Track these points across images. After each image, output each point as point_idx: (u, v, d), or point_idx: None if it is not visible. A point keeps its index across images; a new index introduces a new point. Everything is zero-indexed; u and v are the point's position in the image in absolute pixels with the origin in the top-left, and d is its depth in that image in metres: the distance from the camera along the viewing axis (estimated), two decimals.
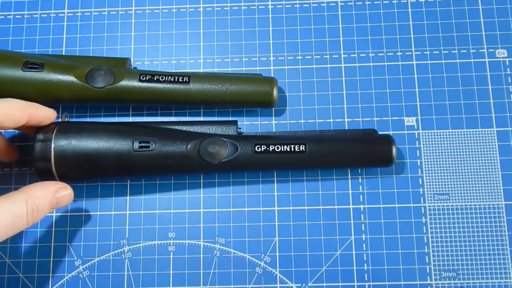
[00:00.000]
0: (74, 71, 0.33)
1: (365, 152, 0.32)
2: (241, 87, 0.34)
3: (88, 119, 0.36)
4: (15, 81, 0.32)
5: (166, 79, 0.33)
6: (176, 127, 0.33)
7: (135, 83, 0.33)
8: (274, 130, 0.36)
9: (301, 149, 0.32)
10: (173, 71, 0.37)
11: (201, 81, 0.34)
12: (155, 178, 0.35)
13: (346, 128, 0.35)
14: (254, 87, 0.34)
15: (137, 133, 0.31)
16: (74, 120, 0.36)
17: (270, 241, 0.34)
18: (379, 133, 0.35)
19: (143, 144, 0.31)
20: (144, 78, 0.33)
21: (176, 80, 0.33)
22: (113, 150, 0.30)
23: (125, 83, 0.33)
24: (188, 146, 0.31)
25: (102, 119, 0.36)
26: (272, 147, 0.31)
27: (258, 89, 0.34)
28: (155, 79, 0.33)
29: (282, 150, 0.32)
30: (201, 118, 0.36)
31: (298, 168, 0.34)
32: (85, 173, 0.31)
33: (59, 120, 0.33)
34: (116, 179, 0.34)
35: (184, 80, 0.33)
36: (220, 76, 0.34)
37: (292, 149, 0.32)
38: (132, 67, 0.37)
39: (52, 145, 0.30)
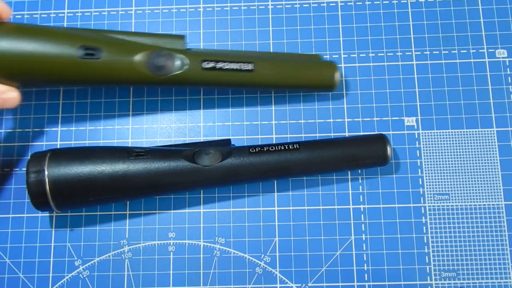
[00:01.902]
0: (134, 56, 0.32)
1: (360, 151, 0.32)
2: (304, 72, 0.34)
3: (88, 112, 0.36)
4: (71, 68, 0.31)
5: (230, 68, 0.33)
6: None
7: (197, 71, 0.33)
8: (274, 131, 0.36)
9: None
10: (237, 56, 0.34)
11: (265, 70, 0.34)
12: (149, 187, 0.32)
13: (346, 128, 0.35)
14: (315, 72, 0.34)
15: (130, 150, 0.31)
16: (75, 113, 0.36)
17: (270, 241, 0.34)
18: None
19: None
20: (207, 65, 0.33)
21: (239, 69, 0.33)
22: (107, 157, 0.30)
23: (187, 71, 0.33)
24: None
25: (102, 112, 0.36)
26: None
27: (320, 74, 0.34)
28: (217, 67, 0.33)
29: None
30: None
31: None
32: (82, 192, 0.30)
33: None
34: (113, 194, 0.31)
35: (248, 68, 0.33)
36: (283, 63, 0.34)
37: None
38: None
39: (46, 173, 0.29)
